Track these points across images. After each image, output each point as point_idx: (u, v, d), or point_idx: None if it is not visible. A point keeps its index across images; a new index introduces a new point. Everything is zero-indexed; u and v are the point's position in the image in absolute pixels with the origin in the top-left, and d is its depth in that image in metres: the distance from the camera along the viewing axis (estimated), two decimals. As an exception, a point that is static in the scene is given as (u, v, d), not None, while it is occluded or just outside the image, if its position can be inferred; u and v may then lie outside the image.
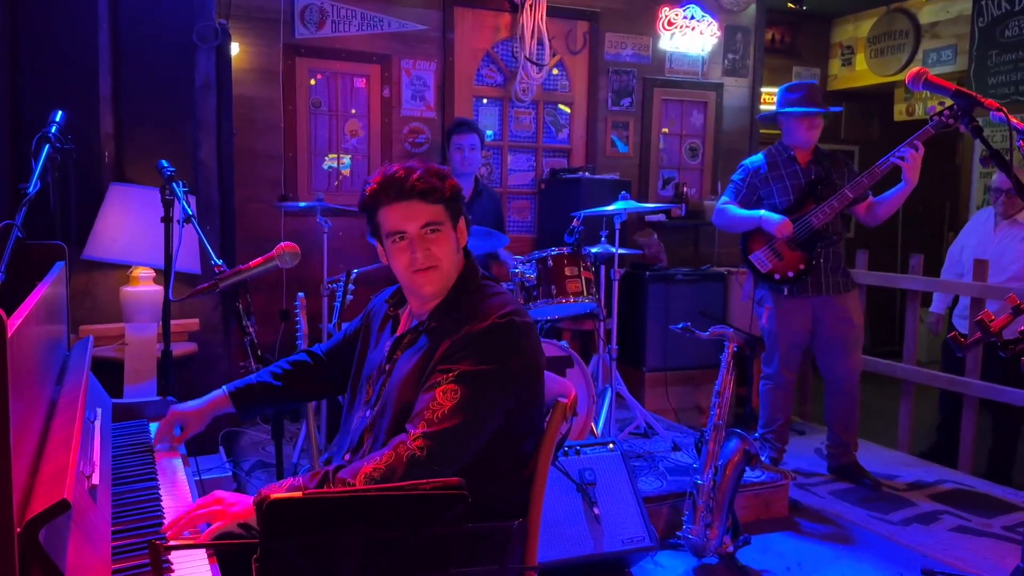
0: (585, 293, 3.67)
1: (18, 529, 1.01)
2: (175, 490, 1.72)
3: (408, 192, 1.74)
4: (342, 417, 1.96)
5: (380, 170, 1.80)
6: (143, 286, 3.33)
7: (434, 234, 1.76)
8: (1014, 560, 2.88)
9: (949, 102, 2.79)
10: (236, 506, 1.50)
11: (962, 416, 4.24)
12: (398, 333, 1.87)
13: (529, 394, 1.75)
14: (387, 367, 1.82)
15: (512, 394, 1.69)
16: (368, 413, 1.82)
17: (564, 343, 3.85)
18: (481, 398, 1.64)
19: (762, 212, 3.77)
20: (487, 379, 1.65)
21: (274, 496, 1.06)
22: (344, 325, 2.16)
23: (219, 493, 1.52)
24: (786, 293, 3.83)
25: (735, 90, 5.93)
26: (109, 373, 3.11)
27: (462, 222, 1.84)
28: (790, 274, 3.77)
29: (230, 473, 3.20)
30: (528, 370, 1.73)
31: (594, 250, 3.90)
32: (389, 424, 1.73)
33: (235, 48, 4.41)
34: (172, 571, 1.32)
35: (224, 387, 1.99)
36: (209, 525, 1.46)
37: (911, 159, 3.47)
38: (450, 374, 1.65)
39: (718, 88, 5.86)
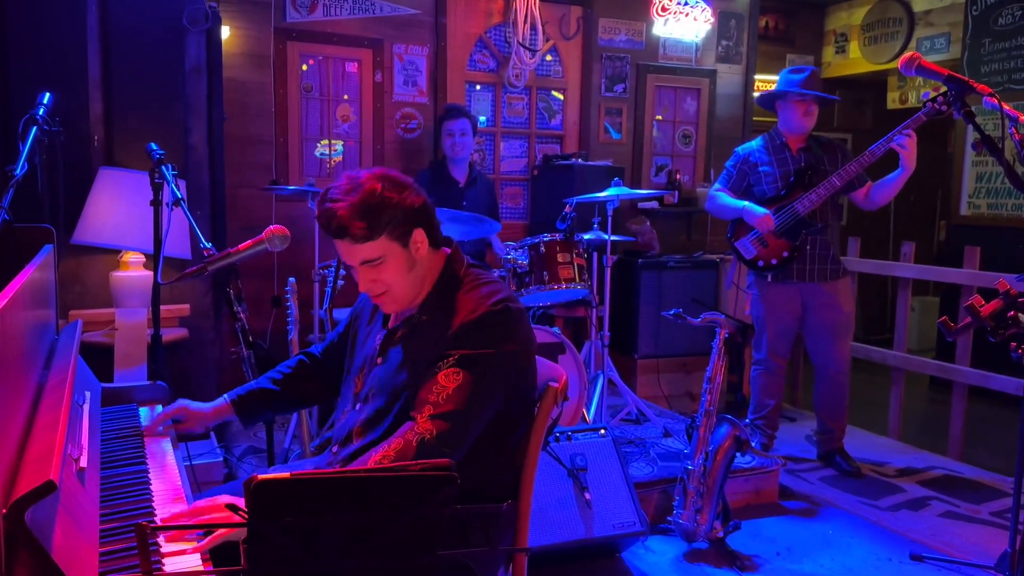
0: (577, 279, 3.66)
1: (3, 510, 1.01)
2: (164, 474, 1.71)
3: (337, 233, 1.67)
4: (335, 411, 1.95)
5: (321, 196, 1.70)
6: (133, 271, 3.31)
7: (377, 265, 1.70)
8: (1002, 545, 2.90)
9: (943, 88, 2.79)
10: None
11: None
12: (390, 326, 1.86)
13: (522, 378, 1.75)
14: (378, 360, 1.82)
15: (508, 378, 1.70)
16: (359, 406, 1.81)
17: (556, 329, 3.84)
18: (483, 380, 1.64)
19: (745, 203, 3.78)
20: (487, 362, 1.65)
21: (261, 477, 1.06)
22: (335, 315, 2.15)
23: (227, 497, 1.49)
24: (770, 280, 3.84)
25: (728, 77, 5.91)
26: (99, 358, 3.09)
27: (419, 232, 1.73)
28: (774, 261, 3.78)
29: (221, 458, 3.20)
30: (522, 354, 1.74)
31: (587, 237, 3.90)
32: (381, 416, 1.73)
33: (226, 32, 4.37)
34: (160, 553, 1.31)
35: (225, 396, 1.98)
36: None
37: (908, 145, 3.47)
38: (450, 359, 1.65)
39: (711, 75, 5.84)
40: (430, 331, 1.73)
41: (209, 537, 1.38)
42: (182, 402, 1.97)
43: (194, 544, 1.37)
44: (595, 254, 4.06)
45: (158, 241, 2.62)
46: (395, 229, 1.69)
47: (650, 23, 5.57)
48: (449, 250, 1.85)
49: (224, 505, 1.43)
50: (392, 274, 1.72)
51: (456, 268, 1.81)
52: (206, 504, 1.48)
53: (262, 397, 1.99)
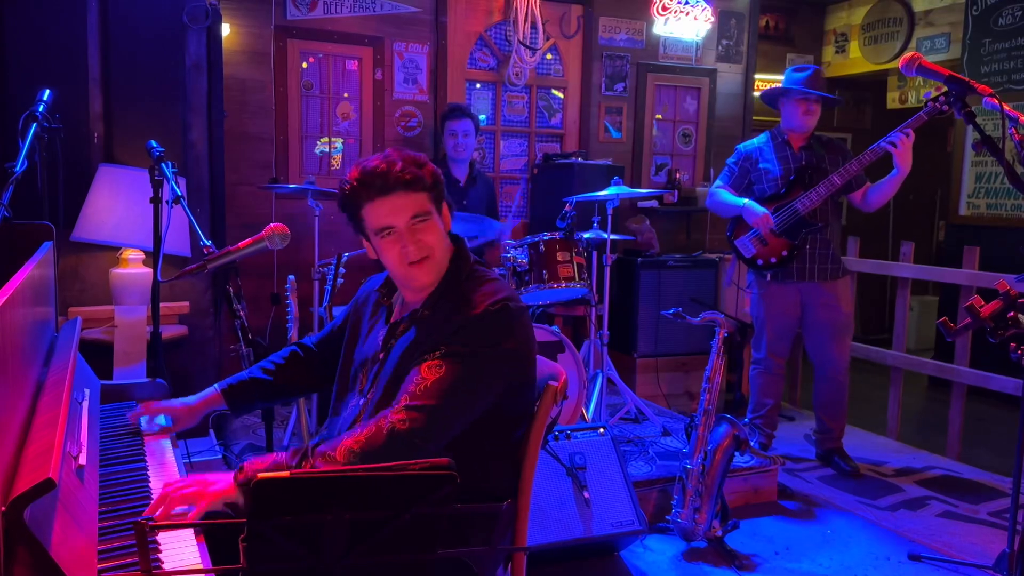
0: (577, 278, 3.66)
1: (2, 508, 1.01)
2: (163, 471, 1.71)
3: (392, 185, 1.71)
4: (331, 404, 1.95)
5: (356, 166, 1.75)
6: (133, 268, 3.31)
7: (423, 223, 1.74)
8: (1000, 545, 2.91)
9: (944, 88, 2.79)
10: (216, 484, 1.49)
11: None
12: (392, 321, 1.86)
13: (521, 378, 1.74)
14: (381, 355, 1.81)
15: (501, 377, 1.69)
16: (362, 401, 1.81)
17: (555, 328, 3.84)
18: (467, 376, 1.63)
19: (745, 201, 3.78)
20: (475, 359, 1.64)
21: (261, 476, 1.06)
22: (335, 313, 2.15)
23: (196, 476, 1.51)
24: (768, 279, 3.84)
25: (728, 76, 5.91)
26: (99, 355, 3.09)
27: (445, 207, 1.82)
28: (773, 260, 3.78)
29: (220, 456, 3.19)
30: (520, 355, 1.73)
31: (586, 235, 3.89)
32: (382, 410, 1.73)
33: (226, 29, 4.37)
34: (159, 551, 1.31)
35: (216, 385, 1.97)
36: (191, 508, 1.45)
37: (902, 145, 3.47)
38: (437, 352, 1.65)
39: (712, 74, 5.84)
40: (432, 326, 1.73)
41: (194, 510, 1.44)
42: (161, 404, 1.94)
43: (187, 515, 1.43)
44: (594, 253, 4.06)
45: (158, 238, 2.62)
46: (435, 191, 1.78)
47: (650, 22, 5.56)
48: (455, 247, 1.85)
49: (196, 480, 1.49)
50: (434, 236, 1.76)
51: (462, 264, 1.82)
52: (201, 477, 1.51)
53: (253, 386, 1.98)
